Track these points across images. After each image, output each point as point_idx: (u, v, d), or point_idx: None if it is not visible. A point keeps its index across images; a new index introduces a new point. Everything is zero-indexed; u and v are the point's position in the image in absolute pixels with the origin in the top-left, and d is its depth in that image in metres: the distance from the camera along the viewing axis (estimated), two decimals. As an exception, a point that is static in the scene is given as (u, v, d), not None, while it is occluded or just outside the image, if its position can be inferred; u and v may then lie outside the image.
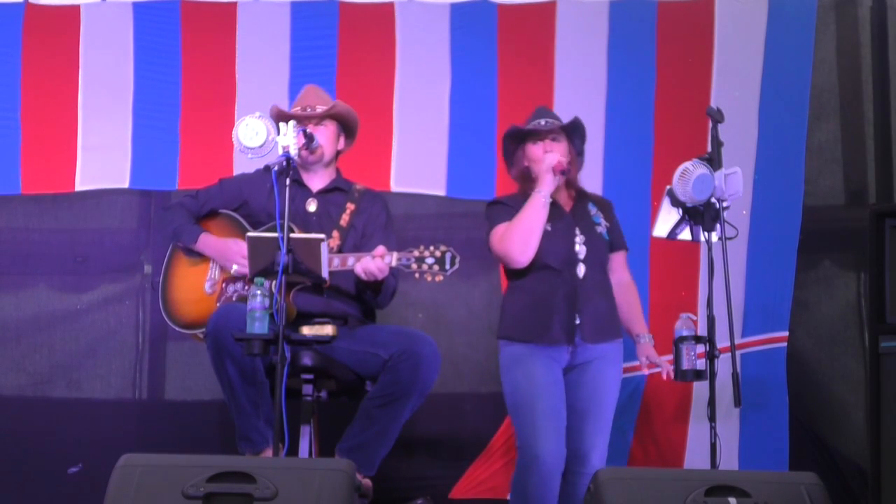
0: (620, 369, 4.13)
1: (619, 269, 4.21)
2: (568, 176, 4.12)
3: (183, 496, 2.98)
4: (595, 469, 3.84)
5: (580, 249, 4.07)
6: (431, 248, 3.83)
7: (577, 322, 4.01)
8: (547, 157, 4.08)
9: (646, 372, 4.22)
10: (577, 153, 4.19)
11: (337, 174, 4.37)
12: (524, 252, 4.03)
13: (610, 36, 5.08)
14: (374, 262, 3.91)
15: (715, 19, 5.07)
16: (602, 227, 4.15)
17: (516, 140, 4.20)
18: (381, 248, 3.93)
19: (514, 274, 4.13)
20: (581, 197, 4.21)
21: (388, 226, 4.30)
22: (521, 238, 4.03)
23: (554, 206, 4.11)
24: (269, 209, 4.11)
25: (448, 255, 3.83)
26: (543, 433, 3.94)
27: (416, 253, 3.84)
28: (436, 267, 3.83)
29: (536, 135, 4.15)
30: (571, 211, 4.16)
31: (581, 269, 4.05)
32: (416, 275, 3.84)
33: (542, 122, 4.16)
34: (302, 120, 4.19)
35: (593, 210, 4.19)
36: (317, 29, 5.14)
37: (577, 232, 4.10)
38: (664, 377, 4.09)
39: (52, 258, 5.14)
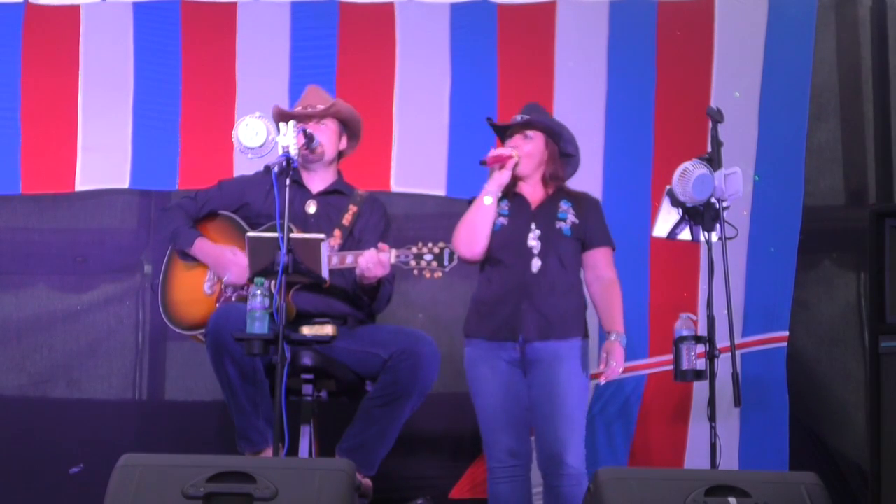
0: (579, 366, 3.96)
1: (598, 265, 4.09)
2: (517, 171, 4.05)
3: (183, 496, 2.98)
4: (572, 469, 3.87)
5: (534, 245, 4.01)
6: (430, 244, 3.82)
7: (523, 318, 3.97)
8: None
9: (614, 371, 3.98)
10: (560, 154, 4.12)
11: (338, 176, 4.36)
12: (470, 247, 4.02)
13: (610, 36, 5.07)
14: (381, 255, 3.88)
15: (715, 19, 5.06)
16: (565, 224, 4.04)
17: (500, 134, 4.21)
18: (383, 244, 3.93)
19: (479, 268, 4.13)
20: (557, 193, 4.12)
21: (385, 234, 4.28)
22: (465, 234, 4.04)
23: (520, 201, 4.09)
24: (268, 210, 4.11)
25: (446, 252, 3.81)
26: (495, 433, 3.96)
27: (415, 250, 3.83)
28: (434, 263, 3.81)
29: (509, 129, 4.15)
30: (537, 207, 4.10)
31: (536, 264, 3.99)
32: (415, 272, 3.82)
33: (518, 117, 4.15)
34: (303, 118, 4.19)
35: (564, 206, 4.08)
36: (317, 29, 5.14)
37: (533, 227, 4.03)
38: (601, 380, 4.00)
39: (52, 258, 5.14)
